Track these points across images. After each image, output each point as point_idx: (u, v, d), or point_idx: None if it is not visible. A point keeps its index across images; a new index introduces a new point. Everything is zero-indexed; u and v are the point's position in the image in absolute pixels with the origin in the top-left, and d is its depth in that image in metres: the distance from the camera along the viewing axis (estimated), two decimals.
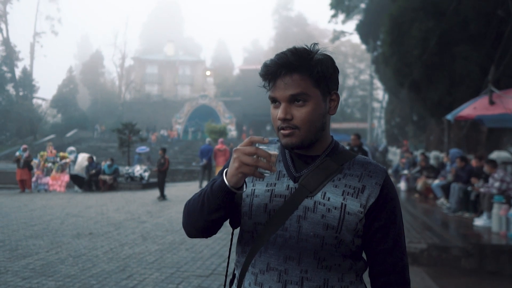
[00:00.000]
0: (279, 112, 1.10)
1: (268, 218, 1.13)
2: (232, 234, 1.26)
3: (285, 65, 1.08)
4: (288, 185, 1.14)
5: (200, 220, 1.12)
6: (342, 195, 1.09)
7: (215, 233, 1.19)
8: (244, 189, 1.08)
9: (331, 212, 1.08)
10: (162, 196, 11.52)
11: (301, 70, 1.08)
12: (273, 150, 1.03)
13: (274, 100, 1.12)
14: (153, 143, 31.45)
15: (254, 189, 1.17)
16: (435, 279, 4.91)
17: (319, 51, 1.12)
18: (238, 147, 1.02)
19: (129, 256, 5.45)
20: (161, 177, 11.82)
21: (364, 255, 1.19)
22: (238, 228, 1.23)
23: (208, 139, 16.54)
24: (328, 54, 1.14)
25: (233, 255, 1.30)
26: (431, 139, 18.48)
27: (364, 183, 1.11)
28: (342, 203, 1.08)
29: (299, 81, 1.08)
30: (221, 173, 1.17)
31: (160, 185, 11.72)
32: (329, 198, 1.09)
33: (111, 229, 7.22)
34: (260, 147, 1.01)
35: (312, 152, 1.16)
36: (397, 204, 1.14)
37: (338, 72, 1.17)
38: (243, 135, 37.63)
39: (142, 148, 24.62)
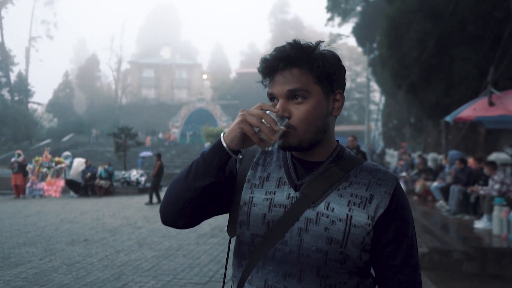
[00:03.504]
0: None
1: (267, 230, 1.03)
2: (230, 242, 1.17)
3: (283, 58, 1.00)
4: (289, 194, 1.04)
5: (183, 191, 1.00)
6: (348, 205, 0.99)
7: (195, 223, 1.06)
8: (240, 156, 1.01)
9: (336, 225, 0.98)
10: (150, 201, 11.59)
11: (300, 64, 1.00)
12: (281, 126, 0.97)
13: (272, 98, 1.04)
14: (147, 147, 31.10)
15: (252, 197, 1.07)
16: (437, 284, 4.82)
17: (322, 47, 1.04)
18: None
19: (124, 263, 5.34)
20: (153, 182, 11.96)
21: (372, 271, 1.08)
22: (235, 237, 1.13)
23: (208, 143, 16.72)
24: (333, 51, 1.05)
25: (230, 261, 1.19)
26: (429, 141, 18.47)
27: (372, 192, 1.01)
28: (347, 215, 0.98)
29: (298, 76, 1.00)
30: None
31: (150, 190, 11.79)
32: (333, 209, 0.99)
33: (106, 235, 7.10)
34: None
35: (315, 158, 1.06)
36: (409, 215, 1.04)
37: (345, 71, 1.07)
38: None
39: (146, 152, 24.68)
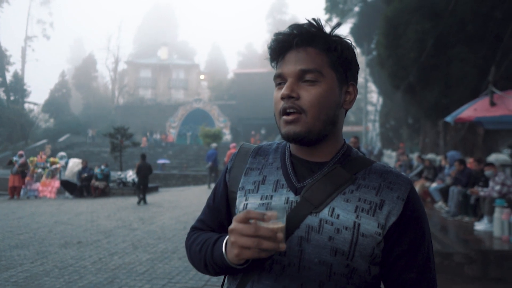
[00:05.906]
0: (283, 89, 0.90)
1: None
2: None
3: (300, 33, 0.90)
4: (288, 198, 0.93)
5: (207, 273, 1.01)
6: (355, 211, 0.88)
7: None
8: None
9: (341, 234, 0.87)
10: (142, 200, 11.66)
11: (318, 43, 0.91)
12: (278, 222, 0.80)
13: (280, 80, 0.93)
14: (143, 148, 30.78)
15: (247, 204, 0.96)
16: (438, 287, 4.71)
17: (340, 33, 0.95)
18: (233, 224, 0.81)
19: (118, 266, 5.21)
20: (137, 182, 12.19)
21: (382, 286, 0.97)
22: None
23: (214, 144, 17.21)
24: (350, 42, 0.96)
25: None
26: (426, 141, 18.39)
27: (383, 197, 0.89)
28: (355, 222, 0.87)
29: (313, 56, 0.90)
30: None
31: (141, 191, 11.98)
32: (338, 216, 0.88)
33: (100, 238, 6.96)
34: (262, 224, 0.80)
35: (319, 158, 0.95)
36: (425, 224, 0.93)
37: (358, 67, 0.98)
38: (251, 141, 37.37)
39: (163, 160, 24.97)
